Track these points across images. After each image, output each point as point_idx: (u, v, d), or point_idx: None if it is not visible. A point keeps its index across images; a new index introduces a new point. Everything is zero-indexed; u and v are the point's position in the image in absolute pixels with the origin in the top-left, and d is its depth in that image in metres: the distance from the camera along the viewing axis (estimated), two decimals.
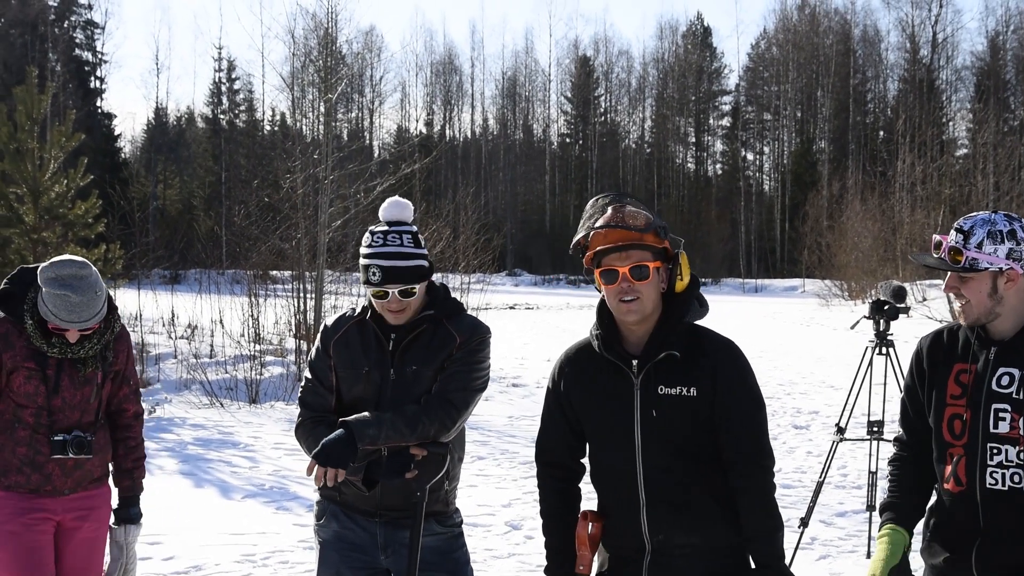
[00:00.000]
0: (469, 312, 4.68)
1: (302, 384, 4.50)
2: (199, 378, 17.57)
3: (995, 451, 3.61)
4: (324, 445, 4.05)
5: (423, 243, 4.42)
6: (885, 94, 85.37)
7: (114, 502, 5.28)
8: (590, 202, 3.94)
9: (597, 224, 3.80)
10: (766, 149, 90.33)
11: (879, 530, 3.94)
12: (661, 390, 3.82)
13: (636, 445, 3.86)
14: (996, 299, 3.64)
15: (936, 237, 3.79)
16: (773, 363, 23.87)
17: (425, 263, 4.34)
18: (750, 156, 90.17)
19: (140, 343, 19.14)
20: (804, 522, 8.55)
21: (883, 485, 4.15)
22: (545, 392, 4.21)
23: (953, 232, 3.70)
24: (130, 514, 5.22)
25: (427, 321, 4.35)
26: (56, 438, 4.89)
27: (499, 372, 20.93)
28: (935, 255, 3.75)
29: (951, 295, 3.76)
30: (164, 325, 21.47)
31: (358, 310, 4.49)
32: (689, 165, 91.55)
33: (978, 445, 3.64)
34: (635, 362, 3.85)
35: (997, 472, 3.60)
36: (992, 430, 3.61)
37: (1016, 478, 3.57)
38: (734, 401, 3.81)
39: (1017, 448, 3.57)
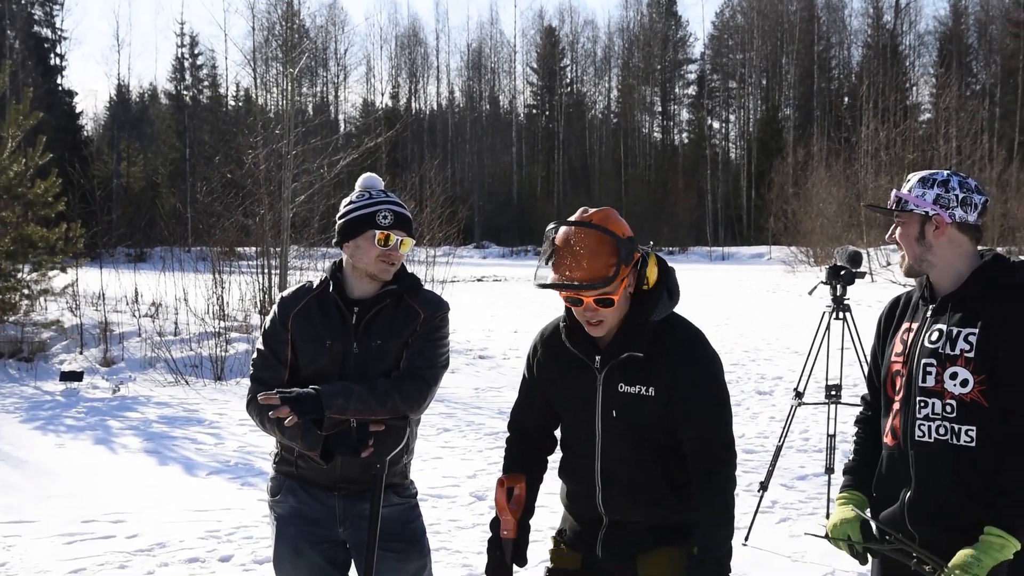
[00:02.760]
0: (429, 287, 4.68)
1: (253, 357, 4.45)
2: (164, 356, 17.51)
3: (923, 404, 3.68)
4: (299, 394, 4.03)
5: None
6: (849, 60, 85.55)
7: None
8: (546, 230, 3.85)
9: (546, 281, 3.77)
10: (732, 117, 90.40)
11: (839, 493, 4.03)
12: (621, 388, 3.87)
13: (596, 435, 3.94)
14: (924, 246, 3.71)
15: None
16: (738, 330, 23.97)
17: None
18: (716, 124, 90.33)
19: (104, 322, 19.04)
20: (764, 486, 8.61)
21: (844, 448, 4.20)
22: (525, 366, 4.23)
23: (905, 184, 3.81)
24: None
25: (390, 296, 4.34)
26: None
27: (466, 344, 20.95)
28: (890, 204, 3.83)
29: (895, 246, 3.84)
30: (128, 304, 21.33)
31: (316, 283, 4.47)
32: (655, 134, 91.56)
33: (911, 399, 3.72)
34: (598, 358, 3.89)
35: (924, 425, 3.67)
36: (921, 384, 3.69)
37: (941, 430, 3.64)
38: (692, 401, 3.83)
39: (943, 401, 3.64)
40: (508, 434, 4.31)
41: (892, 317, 3.97)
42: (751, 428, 12.89)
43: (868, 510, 3.93)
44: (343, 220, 4.36)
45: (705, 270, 52.52)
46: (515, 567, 4.09)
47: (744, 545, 8.31)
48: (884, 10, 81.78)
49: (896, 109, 50.82)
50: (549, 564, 4.17)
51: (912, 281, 3.92)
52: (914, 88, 77.44)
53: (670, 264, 3.97)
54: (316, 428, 4.06)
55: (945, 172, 3.77)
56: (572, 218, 3.80)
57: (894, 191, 3.83)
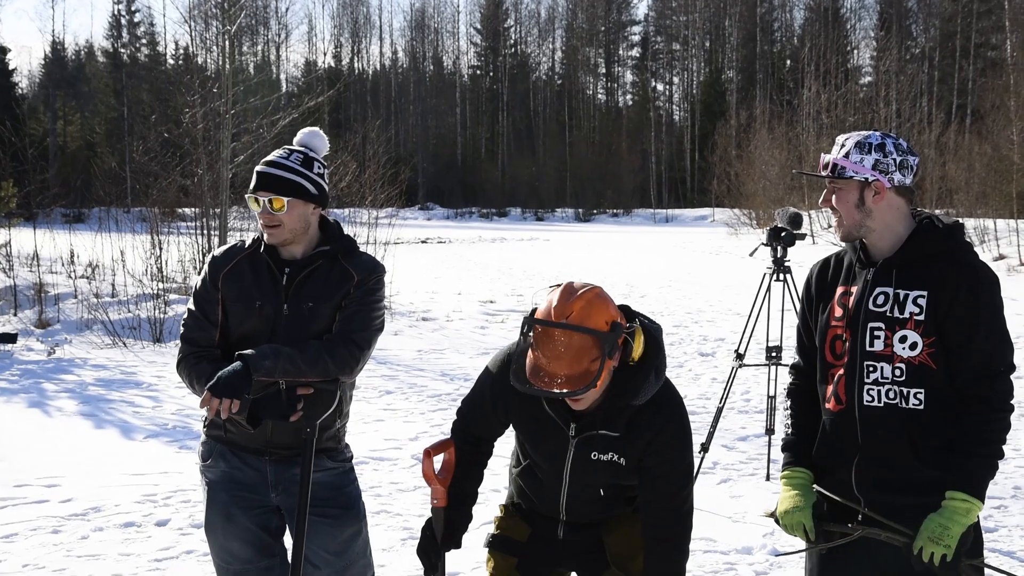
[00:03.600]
0: (372, 248, 4.60)
1: (184, 318, 4.36)
2: (101, 318, 17.32)
3: (871, 369, 3.66)
4: (219, 377, 3.97)
5: (324, 176, 4.35)
6: (792, 23, 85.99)
7: None
8: (523, 319, 3.73)
9: (525, 384, 3.63)
10: (675, 80, 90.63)
11: (781, 471, 4.00)
12: (594, 456, 3.91)
13: (563, 482, 4.00)
14: (864, 212, 3.68)
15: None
16: (682, 292, 24.09)
17: (308, 185, 4.23)
18: (660, 87, 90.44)
19: (39, 283, 18.81)
20: (704, 447, 8.64)
21: (781, 418, 4.17)
22: (486, 374, 4.13)
23: (835, 148, 3.76)
24: None
25: (322, 257, 4.28)
26: None
27: (409, 306, 20.90)
28: (822, 170, 3.78)
29: (829, 210, 3.78)
30: (63, 265, 21.05)
31: (249, 242, 4.39)
32: (600, 96, 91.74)
33: (856, 364, 3.69)
34: (574, 426, 3.89)
35: (873, 389, 3.65)
36: (868, 348, 3.66)
37: (892, 395, 3.62)
38: (658, 474, 3.88)
39: (892, 365, 3.62)
40: (455, 420, 4.24)
41: (824, 280, 3.92)
42: (693, 389, 12.94)
43: (814, 486, 3.88)
44: None
45: (649, 232, 52.78)
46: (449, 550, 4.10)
47: None
48: None
49: (837, 72, 51.10)
50: (494, 531, 4.13)
51: None
52: (855, 51, 78.16)
53: (658, 339, 3.87)
54: (246, 390, 3.98)
55: (878, 134, 3.73)
56: (553, 313, 3.62)
57: (827, 156, 3.78)
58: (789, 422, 4.04)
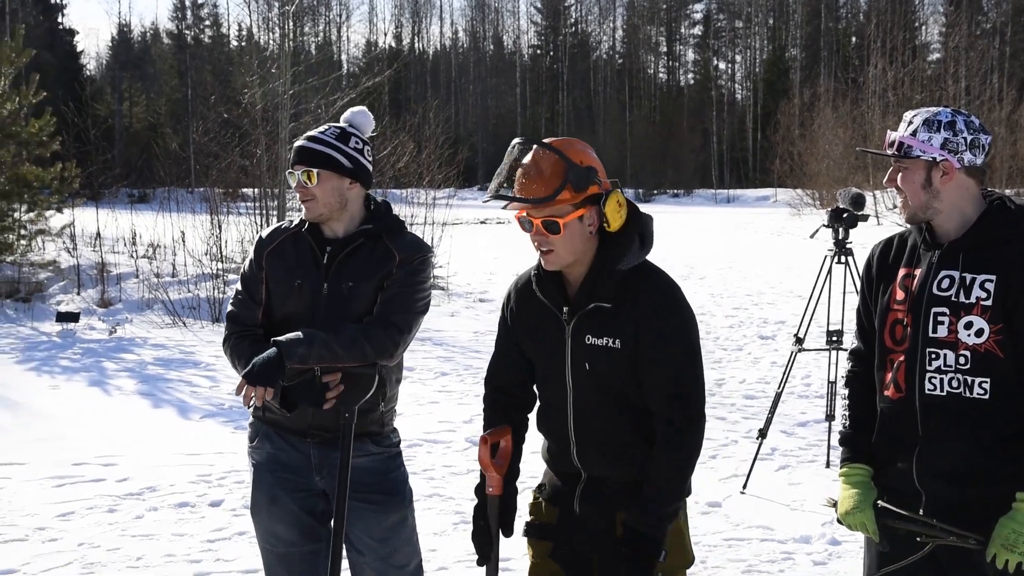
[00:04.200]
0: (430, 229, 4.54)
1: (234, 295, 4.36)
2: (161, 298, 17.47)
3: (934, 356, 3.52)
4: (253, 364, 3.96)
5: (364, 152, 4.28)
6: (858, 1, 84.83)
7: None
8: (510, 146, 3.79)
9: (488, 194, 3.77)
10: (738, 58, 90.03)
11: (840, 467, 3.85)
12: (588, 340, 3.78)
13: (567, 387, 3.86)
14: (931, 193, 3.53)
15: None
16: (742, 273, 23.92)
17: (340, 158, 4.18)
18: (722, 65, 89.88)
19: (101, 263, 18.98)
20: (763, 433, 8.52)
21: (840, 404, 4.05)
22: (499, 317, 4.13)
23: (902, 125, 3.60)
24: None
25: (364, 236, 4.22)
26: None
27: (466, 287, 20.92)
28: (888, 149, 3.64)
29: (894, 190, 3.64)
30: (125, 245, 21.24)
31: (295, 222, 4.37)
32: (661, 75, 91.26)
33: (918, 350, 3.56)
34: (566, 309, 3.81)
35: (936, 378, 3.52)
36: (931, 334, 3.53)
37: (955, 383, 3.49)
38: (656, 352, 3.70)
39: (956, 353, 3.48)
40: (485, 390, 4.17)
41: (886, 261, 3.78)
42: (752, 373, 12.83)
43: (879, 502, 3.72)
44: None
45: (710, 213, 52.51)
46: (501, 537, 4.02)
47: (743, 493, 8.26)
48: None
49: (904, 49, 50.35)
50: (528, 518, 4.05)
51: None
52: (923, 27, 77.09)
53: (642, 213, 3.82)
54: (280, 377, 3.96)
55: (948, 111, 3.57)
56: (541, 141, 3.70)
57: (892, 134, 3.63)
58: (846, 413, 3.91)
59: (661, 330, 3.71)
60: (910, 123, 3.57)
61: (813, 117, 49.80)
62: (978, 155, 3.53)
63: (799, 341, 8.80)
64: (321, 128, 4.28)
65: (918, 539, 3.50)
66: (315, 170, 4.13)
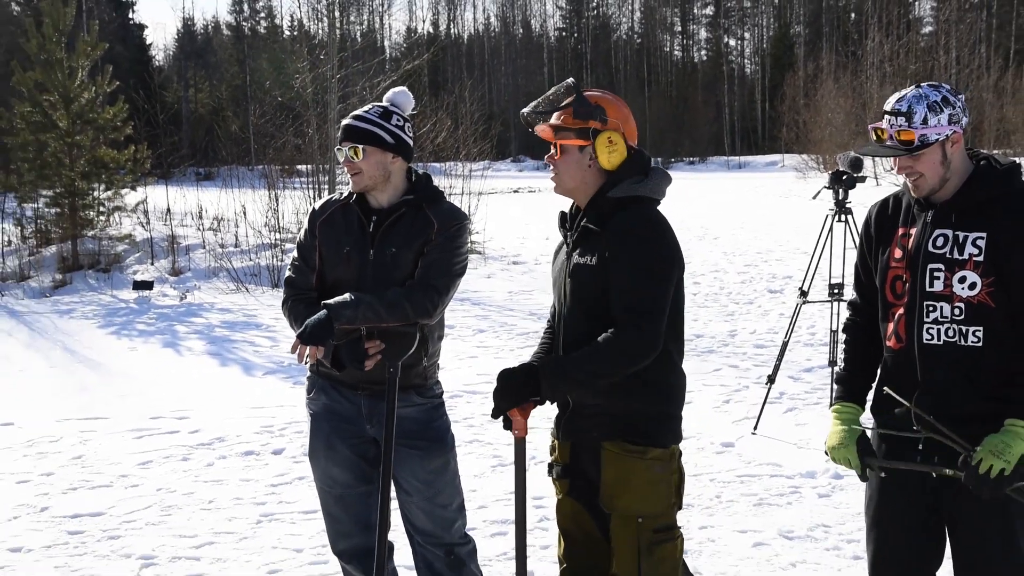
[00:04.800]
0: (452, 198, 4.57)
1: (289, 262, 4.39)
2: (225, 266, 17.56)
3: (931, 308, 3.51)
4: (306, 325, 4.01)
5: (405, 128, 4.29)
6: None
7: None
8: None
9: (527, 111, 3.94)
10: (747, 35, 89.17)
11: (832, 404, 3.88)
12: (575, 259, 3.85)
13: (564, 305, 3.93)
14: (946, 165, 3.50)
15: (873, 128, 3.62)
16: (753, 233, 23.79)
17: (384, 135, 4.20)
18: (732, 42, 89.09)
19: (171, 235, 19.07)
20: (771, 379, 8.51)
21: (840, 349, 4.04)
22: None
23: (891, 117, 3.51)
24: None
25: (407, 205, 4.23)
26: None
27: (500, 251, 20.90)
28: (881, 142, 3.57)
29: (902, 174, 3.58)
30: (193, 218, 21.35)
31: (344, 193, 4.38)
32: (676, 53, 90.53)
33: (916, 303, 3.54)
34: (569, 234, 3.92)
35: (933, 328, 3.51)
36: (928, 289, 3.51)
37: (951, 333, 3.49)
38: (617, 269, 3.69)
39: (951, 305, 3.48)
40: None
41: (883, 221, 3.75)
42: (762, 324, 12.80)
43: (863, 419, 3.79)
44: None
45: (723, 178, 52.18)
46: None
47: (753, 434, 8.25)
48: None
49: (899, 23, 49.84)
50: (549, 459, 4.06)
51: (900, 179, 3.69)
52: (916, 3, 75.99)
53: (645, 157, 3.91)
54: (330, 337, 4.01)
55: (931, 90, 3.50)
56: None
57: (897, 128, 3.49)
58: (843, 356, 3.93)
59: (626, 249, 3.70)
60: (909, 114, 3.47)
61: (816, 88, 49.36)
62: (968, 115, 3.55)
63: (804, 294, 8.77)
64: (366, 108, 4.29)
65: (914, 428, 3.50)
66: (361, 146, 4.16)
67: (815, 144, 46.55)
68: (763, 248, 20.81)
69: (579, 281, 3.81)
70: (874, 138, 3.62)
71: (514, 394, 3.76)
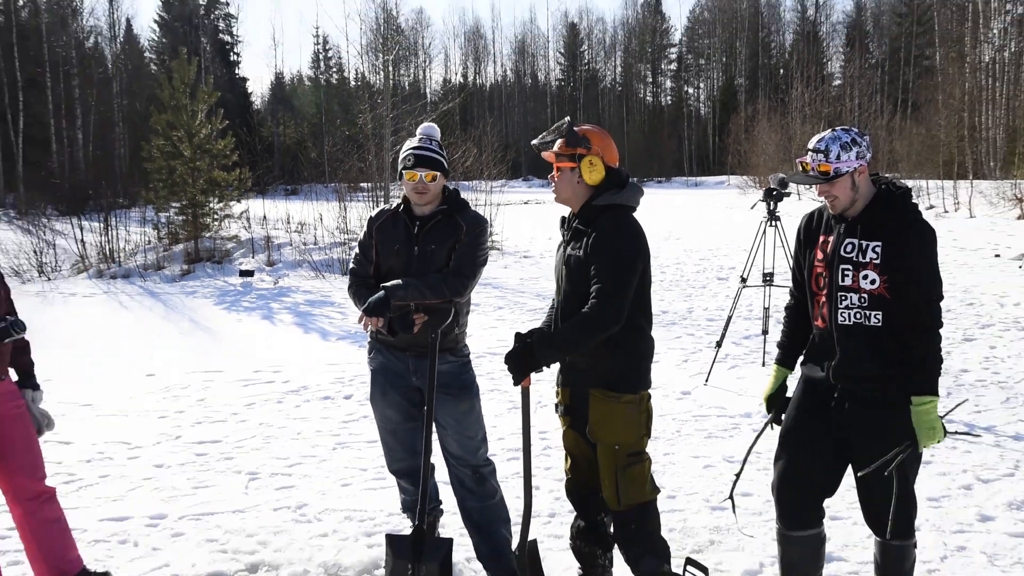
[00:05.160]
0: (477, 207, 4.58)
1: (352, 256, 4.42)
2: (307, 259, 17.59)
3: (843, 298, 3.56)
4: (369, 302, 4.06)
5: (444, 152, 4.32)
6: (784, 43, 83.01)
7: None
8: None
9: (535, 142, 4.00)
10: (702, 85, 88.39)
11: (774, 362, 3.96)
12: (569, 250, 3.90)
13: (560, 285, 3.95)
14: (855, 190, 3.55)
15: (799, 161, 3.65)
16: (707, 234, 23.72)
17: (443, 162, 4.26)
18: (691, 90, 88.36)
19: (267, 236, 19.11)
20: (719, 343, 8.54)
21: (776, 316, 4.07)
22: None
23: (813, 153, 3.56)
24: (33, 383, 4.45)
25: (442, 213, 4.26)
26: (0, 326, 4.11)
27: (514, 247, 20.87)
28: (806, 172, 3.60)
29: (822, 196, 3.63)
30: (282, 223, 21.36)
31: (393, 205, 4.41)
32: (648, 98, 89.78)
33: (833, 294, 3.60)
34: (566, 232, 3.96)
35: (845, 312, 3.57)
36: (841, 283, 3.57)
37: (858, 315, 3.54)
38: (593, 258, 3.74)
39: (858, 295, 3.54)
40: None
41: (810, 230, 3.78)
42: (712, 303, 12.78)
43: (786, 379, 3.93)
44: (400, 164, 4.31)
45: (683, 194, 51.89)
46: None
47: (705, 385, 8.27)
48: (808, 6, 79.49)
49: (816, 77, 49.43)
50: (555, 400, 4.11)
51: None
52: (829, 62, 75.33)
53: (623, 176, 3.93)
54: (387, 311, 4.07)
55: (842, 132, 3.55)
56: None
57: (818, 162, 3.54)
58: (783, 330, 3.99)
59: (600, 243, 3.74)
60: (826, 151, 3.52)
61: (754, 126, 48.92)
62: (870, 151, 3.57)
63: (743, 280, 8.79)
64: (422, 141, 4.27)
65: (835, 395, 3.64)
66: (435, 172, 4.21)
67: (752, 168, 46.25)
68: (713, 246, 20.76)
69: (571, 267, 3.84)
70: (800, 169, 3.65)
71: (522, 367, 3.81)
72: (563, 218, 4.04)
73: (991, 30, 44.66)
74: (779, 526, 3.84)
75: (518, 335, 3.85)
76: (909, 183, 31.37)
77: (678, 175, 74.38)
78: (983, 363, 8.90)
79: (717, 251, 19.70)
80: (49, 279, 16.92)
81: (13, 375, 4.39)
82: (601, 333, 3.68)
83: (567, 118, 4.01)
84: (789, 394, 3.89)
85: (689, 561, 3.92)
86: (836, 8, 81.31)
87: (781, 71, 75.74)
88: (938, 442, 3.46)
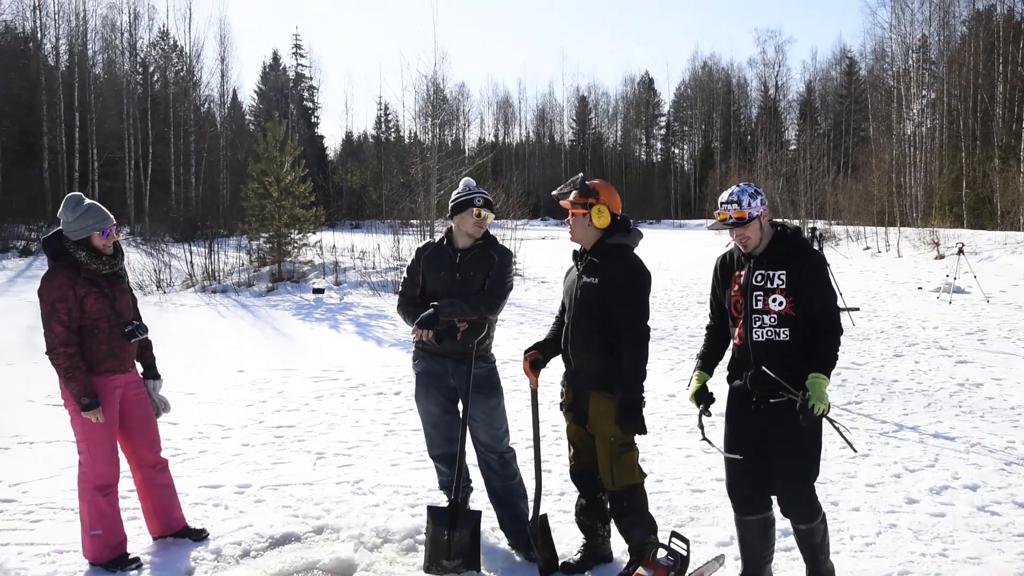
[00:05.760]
0: (504, 241, 4.54)
1: (402, 279, 4.37)
2: (367, 280, 17.60)
3: (757, 319, 3.51)
4: (421, 317, 4.01)
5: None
6: (751, 115, 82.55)
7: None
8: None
9: (555, 193, 3.95)
10: (685, 147, 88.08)
11: (694, 370, 3.86)
12: (583, 279, 3.83)
13: (571, 307, 3.89)
14: (763, 230, 3.55)
15: (717, 213, 3.59)
16: (689, 266, 23.60)
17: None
18: (676, 151, 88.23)
19: (335, 261, 19.16)
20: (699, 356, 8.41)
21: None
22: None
23: (727, 204, 3.52)
24: (154, 373, 4.42)
25: (477, 247, 4.24)
26: (127, 329, 4.13)
27: (533, 273, 20.81)
28: (724, 221, 3.54)
29: (737, 239, 3.58)
30: (348, 251, 21.42)
31: (437, 238, 4.37)
32: (642, 156, 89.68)
33: (748, 316, 3.54)
34: (579, 263, 3.91)
35: (759, 331, 3.50)
36: (754, 307, 3.52)
37: (769, 333, 3.48)
38: (612, 290, 3.71)
39: (768, 316, 3.49)
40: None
41: (725, 268, 3.73)
42: (694, 323, 12.65)
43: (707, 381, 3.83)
44: (454, 203, 4.27)
45: (670, 234, 51.74)
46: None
47: (687, 389, 8.11)
48: (769, 87, 79.44)
49: (776, 143, 49.41)
50: (560, 400, 4.05)
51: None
52: (786, 130, 75.21)
53: (628, 224, 3.88)
54: (436, 324, 4.02)
55: (750, 186, 3.54)
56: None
57: (729, 211, 3.51)
58: (703, 344, 3.92)
59: (615, 277, 3.71)
60: (739, 201, 3.50)
61: (727, 180, 48.90)
62: (766, 200, 3.57)
63: None
64: (474, 188, 4.26)
65: (753, 399, 3.53)
66: (492, 213, 4.23)
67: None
68: (695, 276, 20.62)
69: (584, 293, 3.79)
70: (719, 219, 3.59)
71: (638, 419, 3.67)
72: (575, 251, 4.00)
73: (911, 110, 45.47)
74: (735, 513, 3.79)
75: (623, 400, 3.66)
76: (850, 228, 31.40)
77: (666, 218, 74.33)
78: (909, 375, 8.74)
79: (697, 280, 19.55)
80: (165, 292, 17.03)
81: (139, 367, 4.41)
82: (647, 344, 3.69)
83: (580, 174, 3.98)
84: (712, 390, 3.79)
85: (673, 534, 3.83)
86: (792, 89, 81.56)
87: (748, 137, 75.60)
88: (823, 411, 3.33)
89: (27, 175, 35.58)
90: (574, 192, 3.86)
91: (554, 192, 3.97)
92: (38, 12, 41.70)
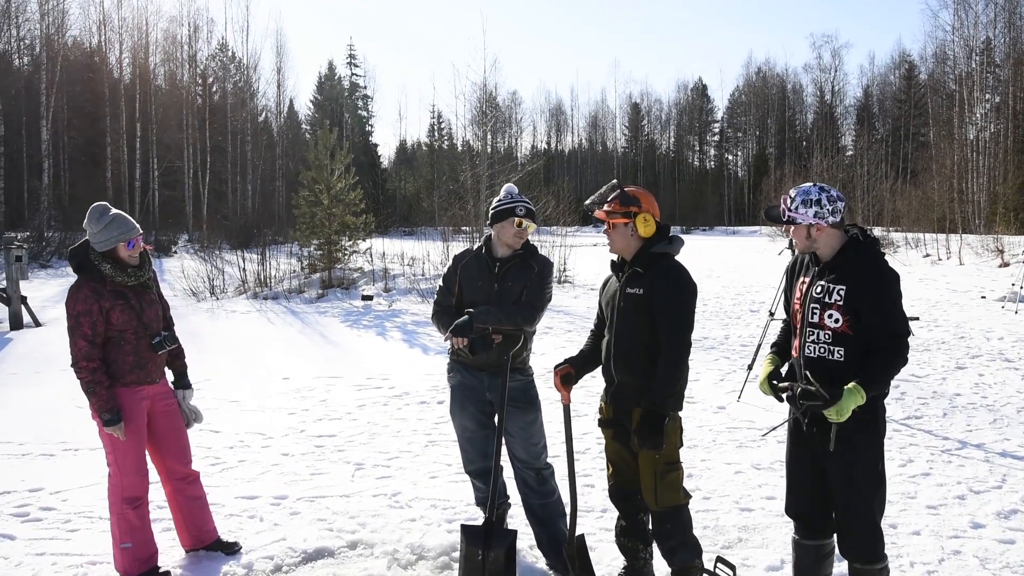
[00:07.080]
0: (553, 248, 4.38)
1: (438, 288, 4.24)
2: (416, 287, 17.60)
3: (811, 334, 3.26)
4: (456, 324, 3.89)
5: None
6: (806, 120, 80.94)
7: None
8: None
9: (588, 203, 3.77)
10: (739, 153, 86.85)
11: (767, 355, 3.62)
12: (627, 290, 3.63)
13: (613, 320, 3.69)
14: (811, 240, 3.31)
15: (781, 199, 3.40)
16: (741, 275, 23.09)
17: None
18: (730, 157, 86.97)
19: (385, 268, 19.22)
20: (750, 366, 8.10)
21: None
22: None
23: (784, 197, 3.35)
24: (184, 383, 4.35)
25: (517, 257, 4.10)
26: (154, 341, 4.06)
27: (583, 280, 20.58)
28: (771, 209, 3.40)
29: (792, 235, 3.38)
30: (398, 258, 21.49)
31: (475, 247, 4.24)
32: (696, 163, 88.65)
33: (804, 328, 3.31)
34: (620, 274, 3.72)
35: (812, 346, 3.26)
36: (809, 320, 3.28)
37: (822, 350, 3.23)
38: (658, 302, 3.51)
39: (823, 331, 3.24)
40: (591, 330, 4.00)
41: (794, 272, 3.52)
42: (745, 332, 12.30)
43: (783, 367, 3.53)
44: (494, 211, 4.12)
45: (723, 240, 50.92)
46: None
47: (738, 401, 7.86)
48: (826, 92, 77.73)
49: (832, 149, 48.10)
50: (599, 416, 3.85)
51: None
52: (843, 136, 73.47)
53: (669, 232, 3.69)
54: (470, 333, 3.89)
55: (816, 190, 3.29)
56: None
57: (786, 208, 3.32)
58: (778, 337, 3.64)
59: (662, 288, 3.53)
60: (792, 200, 3.31)
61: (782, 186, 47.90)
62: (837, 216, 3.29)
63: (771, 314, 8.36)
64: (518, 196, 4.12)
65: (787, 394, 3.31)
66: (534, 223, 4.11)
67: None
68: (747, 283, 20.14)
69: (629, 304, 3.60)
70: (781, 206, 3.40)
71: (657, 431, 3.46)
72: (613, 262, 3.81)
73: (975, 114, 44.11)
74: (794, 535, 3.55)
75: (646, 413, 3.47)
76: (909, 235, 30.57)
77: (719, 225, 73.23)
78: (973, 388, 8.30)
79: (750, 288, 19.09)
80: (217, 298, 17.28)
81: (170, 376, 4.35)
82: (686, 359, 3.53)
83: (614, 181, 3.79)
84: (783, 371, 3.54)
85: (719, 559, 3.62)
86: (848, 94, 79.57)
87: (804, 143, 74.12)
88: (837, 418, 3.08)
89: (92, 184, 36.76)
90: (611, 202, 3.69)
91: (587, 202, 3.77)
92: (103, 27, 43.13)
